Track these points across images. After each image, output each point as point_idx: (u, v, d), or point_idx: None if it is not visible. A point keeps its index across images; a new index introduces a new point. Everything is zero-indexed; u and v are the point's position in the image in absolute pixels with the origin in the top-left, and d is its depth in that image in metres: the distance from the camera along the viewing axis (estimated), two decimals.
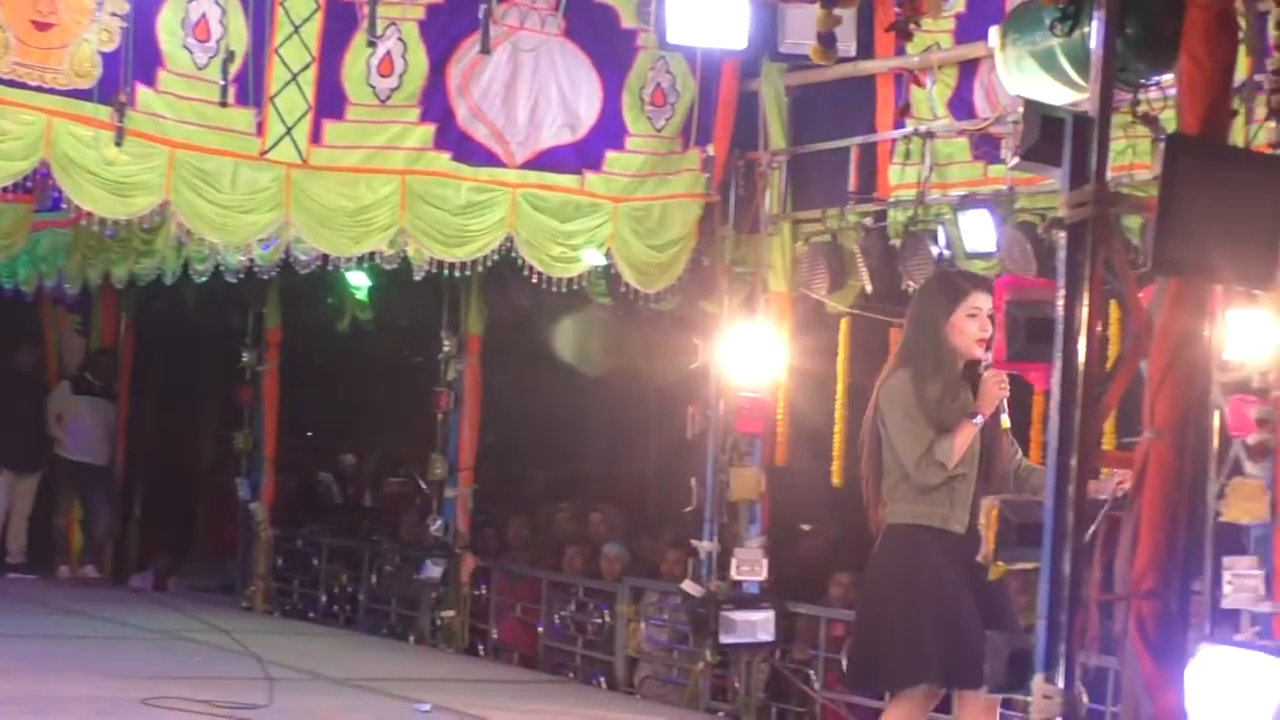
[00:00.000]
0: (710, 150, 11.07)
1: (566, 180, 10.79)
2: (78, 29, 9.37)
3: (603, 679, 11.88)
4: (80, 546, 16.02)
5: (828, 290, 10.54)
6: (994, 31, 6.09)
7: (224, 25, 9.77)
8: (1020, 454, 7.34)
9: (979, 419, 7.11)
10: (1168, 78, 5.58)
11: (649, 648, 11.78)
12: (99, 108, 9.45)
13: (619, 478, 15.22)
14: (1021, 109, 5.46)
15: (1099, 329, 5.29)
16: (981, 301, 7.06)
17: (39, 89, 9.32)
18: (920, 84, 10.05)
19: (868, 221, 10.39)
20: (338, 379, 16.82)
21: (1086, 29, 5.44)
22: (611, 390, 14.35)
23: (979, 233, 9.53)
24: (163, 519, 16.86)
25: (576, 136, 10.77)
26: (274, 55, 9.95)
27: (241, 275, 12.06)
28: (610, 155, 10.86)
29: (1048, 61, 5.73)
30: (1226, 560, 8.01)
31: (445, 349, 13.20)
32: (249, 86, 9.87)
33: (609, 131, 10.83)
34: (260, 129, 9.97)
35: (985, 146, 9.71)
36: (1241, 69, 5.58)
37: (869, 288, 10.28)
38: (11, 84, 9.24)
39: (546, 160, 10.71)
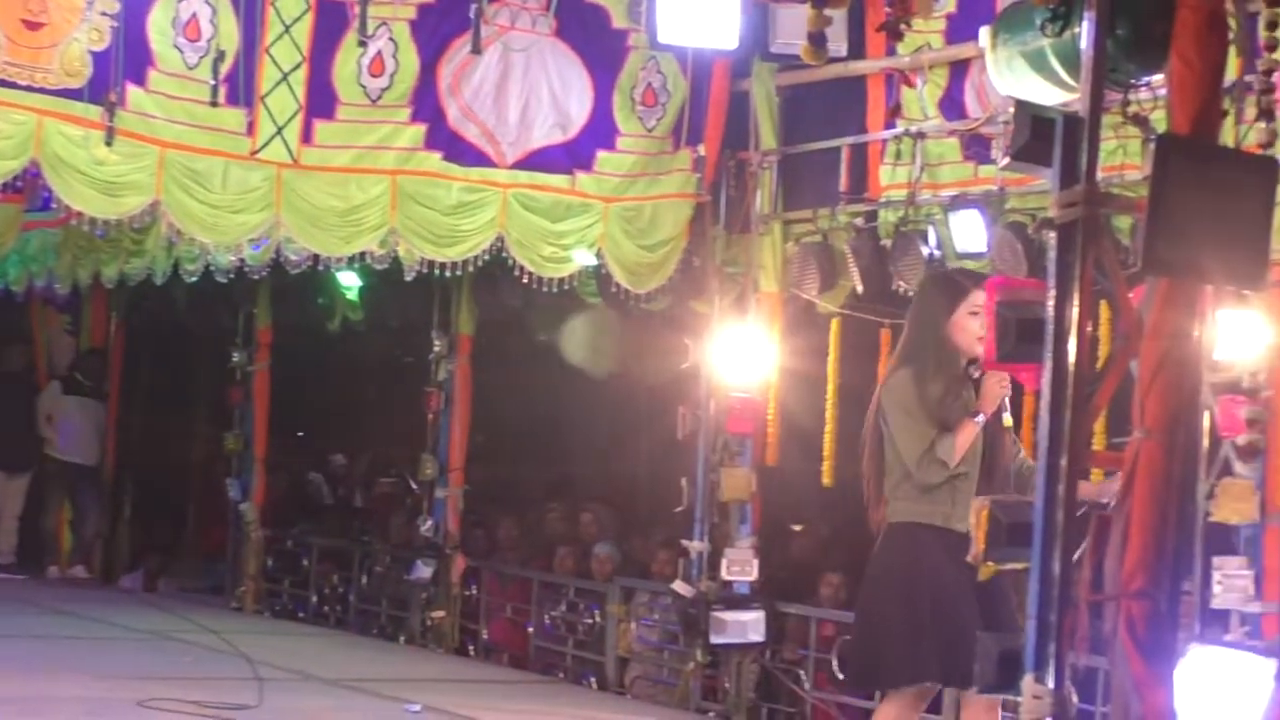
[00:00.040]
0: (701, 150, 11.07)
1: (557, 180, 10.79)
2: (68, 28, 9.35)
3: (593, 679, 11.89)
4: (70, 547, 16.00)
5: (818, 290, 10.55)
6: (985, 32, 6.10)
7: (214, 25, 9.76)
8: (1022, 453, 7.34)
9: (981, 417, 7.11)
10: (1158, 78, 5.58)
11: (639, 648, 11.78)
12: (89, 107, 9.44)
13: (610, 478, 15.23)
14: (1012, 109, 5.46)
15: (1089, 329, 5.29)
16: (983, 299, 7.06)
17: (29, 88, 9.30)
18: (911, 84, 10.05)
19: (858, 222, 10.40)
20: (328, 379, 16.81)
21: (1077, 29, 5.45)
22: (602, 391, 14.35)
23: (969, 233, 9.54)
24: (153, 519, 16.85)
25: (567, 136, 10.77)
26: (265, 55, 9.94)
27: (232, 275, 12.05)
28: (601, 155, 10.86)
29: (1038, 62, 5.74)
30: (1216, 560, 8.03)
31: (436, 349, 13.20)
32: (240, 86, 9.86)
33: (600, 131, 10.83)
34: (251, 129, 9.96)
35: (976, 147, 9.72)
36: (1232, 69, 5.59)
37: (860, 288, 10.28)
38: (1, 83, 9.23)
39: (537, 160, 10.71)
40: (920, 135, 10.00)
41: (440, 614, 12.94)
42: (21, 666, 10.14)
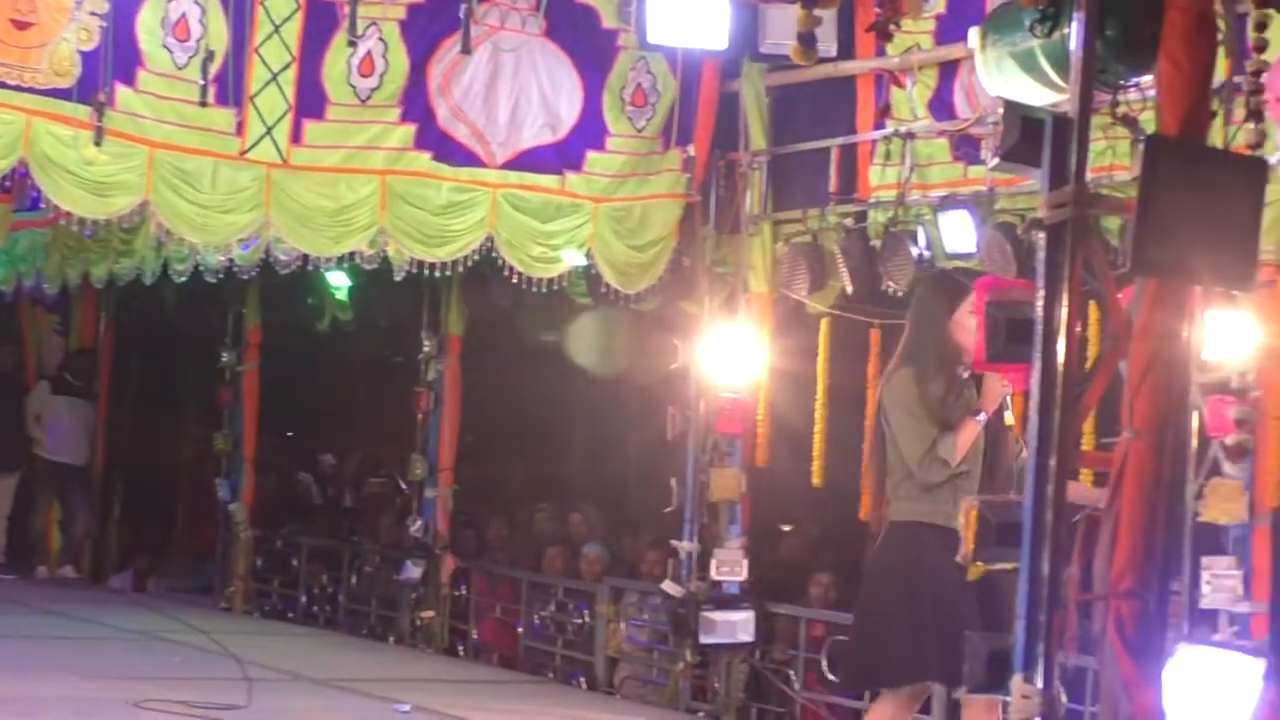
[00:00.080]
0: (691, 150, 11.08)
1: (547, 180, 10.79)
2: (57, 28, 9.34)
3: (583, 679, 11.88)
4: (59, 547, 15.97)
5: (808, 291, 10.55)
6: (974, 32, 6.10)
7: (204, 25, 9.76)
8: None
9: (982, 416, 7.12)
10: (1147, 79, 5.58)
11: (629, 648, 11.78)
12: (78, 107, 9.43)
13: (599, 478, 15.23)
14: (1001, 110, 5.47)
15: (1078, 330, 5.30)
16: None
17: (17, 88, 9.29)
18: (900, 85, 10.06)
19: (848, 222, 10.41)
20: (318, 379, 16.80)
21: (1066, 30, 5.45)
22: (592, 391, 14.35)
23: (959, 233, 9.55)
24: (142, 519, 16.83)
25: (557, 137, 10.77)
26: (254, 55, 9.94)
27: (221, 275, 12.03)
28: (591, 155, 10.86)
29: (1028, 63, 5.74)
30: (1205, 560, 8.04)
31: (425, 349, 13.19)
32: (229, 86, 9.85)
33: (590, 132, 10.83)
34: (240, 129, 9.95)
35: (965, 147, 9.73)
36: (1220, 70, 5.59)
37: (849, 288, 10.29)
38: None
39: (527, 160, 10.71)
40: (910, 136, 10.01)
41: (430, 614, 12.94)
42: (10, 667, 10.11)
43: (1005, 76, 5.89)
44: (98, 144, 9.48)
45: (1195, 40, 5.29)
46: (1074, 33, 5.37)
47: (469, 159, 10.57)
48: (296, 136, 10.13)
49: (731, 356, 10.86)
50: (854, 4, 9.92)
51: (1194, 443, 7.78)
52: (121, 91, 9.55)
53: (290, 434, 17.35)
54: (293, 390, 16.05)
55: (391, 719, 9.55)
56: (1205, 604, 8.03)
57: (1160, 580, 5.23)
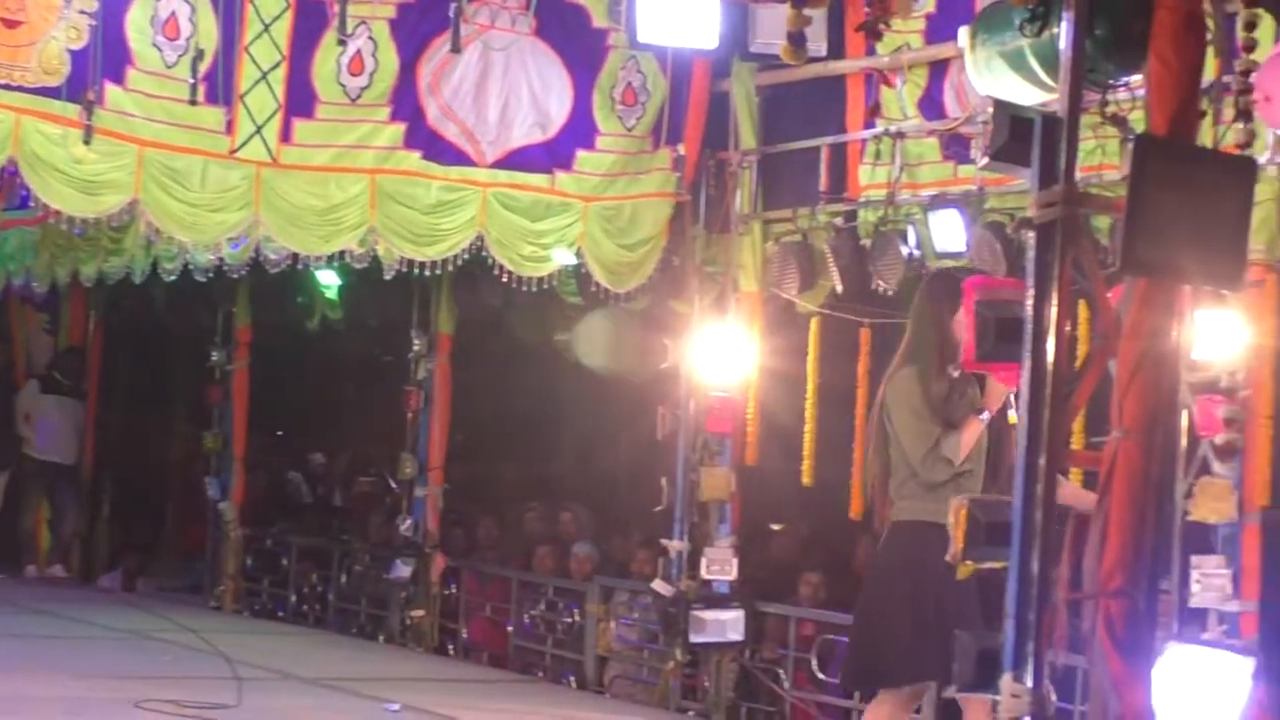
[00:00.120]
0: (681, 150, 11.08)
1: (537, 179, 10.79)
2: (46, 26, 9.33)
3: (572, 678, 11.88)
4: (48, 546, 15.94)
5: (798, 290, 10.56)
6: (964, 32, 6.10)
7: (193, 23, 9.75)
8: None
9: (986, 415, 7.11)
10: (1136, 78, 5.59)
11: (619, 647, 11.78)
12: (67, 105, 9.42)
13: (589, 477, 15.22)
14: (991, 109, 5.47)
15: (1067, 329, 5.30)
16: None
17: (6, 87, 9.28)
18: (890, 84, 10.07)
19: (838, 221, 10.42)
20: (308, 378, 16.78)
21: (1055, 30, 5.45)
22: (582, 390, 14.34)
23: (949, 233, 9.55)
24: (131, 518, 16.81)
25: (547, 136, 10.77)
26: (244, 53, 9.94)
27: (211, 274, 12.03)
28: (581, 154, 10.86)
29: (1017, 62, 5.75)
30: (1194, 559, 8.05)
31: (415, 348, 13.19)
32: (219, 85, 9.85)
33: (580, 131, 10.83)
34: (230, 127, 9.95)
35: (955, 146, 9.74)
36: (1210, 70, 5.60)
37: (839, 288, 10.30)
38: None
39: (517, 159, 10.71)
40: (900, 135, 10.01)
41: (419, 613, 12.93)
42: None
43: (995, 76, 5.89)
44: (87, 142, 9.48)
45: (1184, 39, 5.30)
46: (1063, 32, 5.37)
47: (459, 158, 10.57)
48: (286, 135, 10.12)
49: (721, 356, 10.86)
50: (844, 3, 9.93)
51: (1183, 442, 7.79)
52: (111, 90, 9.54)
53: (280, 433, 17.34)
54: (282, 389, 16.03)
55: (381, 718, 9.54)
56: (1194, 603, 8.04)
57: (1150, 579, 5.24)
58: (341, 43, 10.08)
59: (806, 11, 7.46)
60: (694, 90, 11.08)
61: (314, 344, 15.43)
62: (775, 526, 12.60)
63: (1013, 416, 7.14)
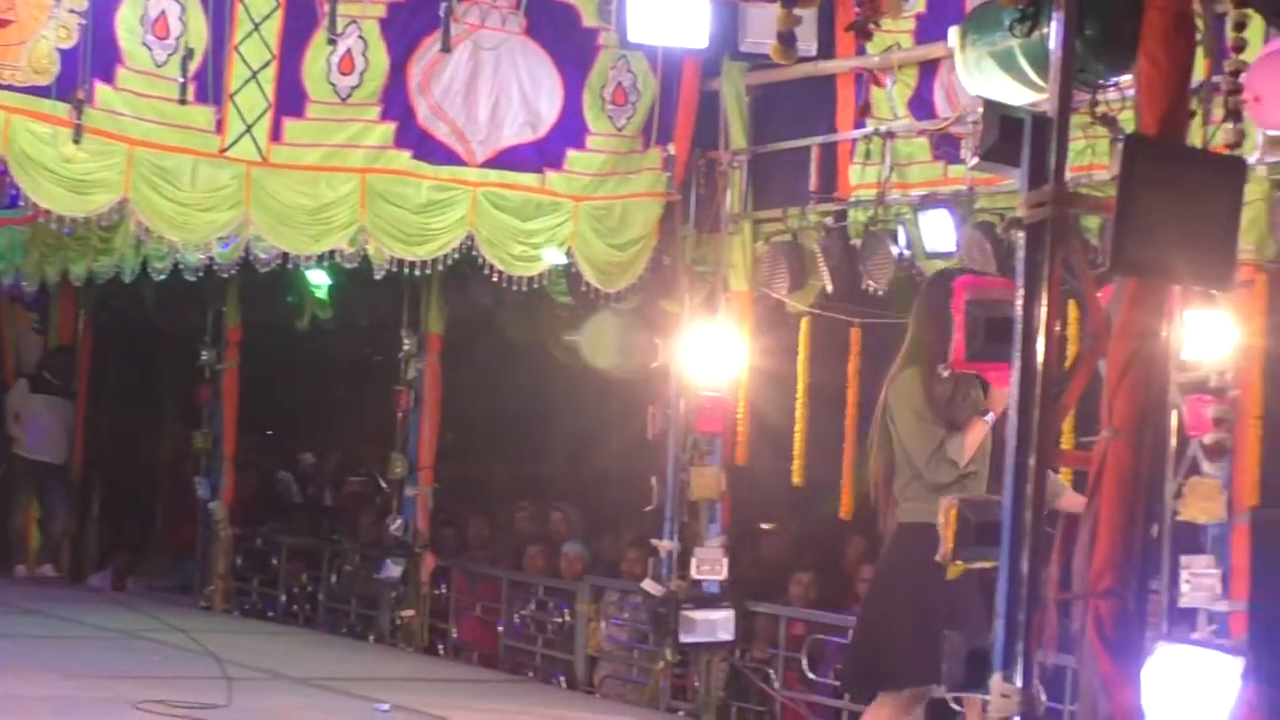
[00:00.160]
0: (671, 149, 11.08)
1: (527, 179, 10.79)
2: (36, 25, 9.32)
3: (562, 678, 11.88)
4: (38, 545, 15.92)
5: (788, 290, 10.56)
6: (954, 32, 6.11)
7: (183, 22, 9.74)
8: None
9: (990, 417, 7.10)
10: (1126, 79, 5.59)
11: (609, 647, 11.78)
12: (57, 104, 9.41)
13: (579, 477, 15.22)
14: (981, 109, 5.47)
15: (1057, 329, 5.31)
16: None
17: None
18: (880, 84, 10.07)
19: (828, 221, 10.42)
20: (297, 378, 16.77)
21: (1045, 30, 5.46)
22: (572, 389, 14.34)
23: (939, 232, 9.56)
24: (121, 518, 16.80)
25: (537, 135, 10.76)
26: (234, 53, 9.92)
27: (201, 273, 12.01)
28: (571, 154, 10.86)
29: (1007, 62, 5.75)
30: (1184, 559, 8.06)
31: (405, 348, 13.19)
32: (209, 84, 9.84)
33: (570, 130, 10.83)
34: (220, 127, 9.94)
35: (945, 146, 9.74)
36: (1199, 70, 5.61)
37: (829, 287, 10.30)
38: None
39: (507, 159, 10.71)
40: (890, 135, 10.02)
41: (409, 613, 12.93)
42: None
43: (985, 76, 5.90)
44: (77, 141, 9.46)
45: (1174, 39, 5.30)
46: (1053, 32, 5.37)
47: (449, 157, 10.56)
48: (276, 134, 10.11)
49: (712, 355, 10.86)
50: (834, 3, 9.93)
51: (1173, 442, 7.80)
52: (101, 89, 9.53)
53: (270, 432, 17.32)
54: (272, 388, 16.01)
55: (371, 718, 9.54)
56: (1184, 603, 8.05)
57: (1139, 579, 5.24)
58: (332, 42, 10.07)
59: (796, 11, 7.46)
60: (684, 90, 11.08)
61: (304, 343, 15.42)
62: (765, 526, 12.60)
63: None
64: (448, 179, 10.59)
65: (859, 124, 10.26)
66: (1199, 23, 5.43)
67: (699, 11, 9.87)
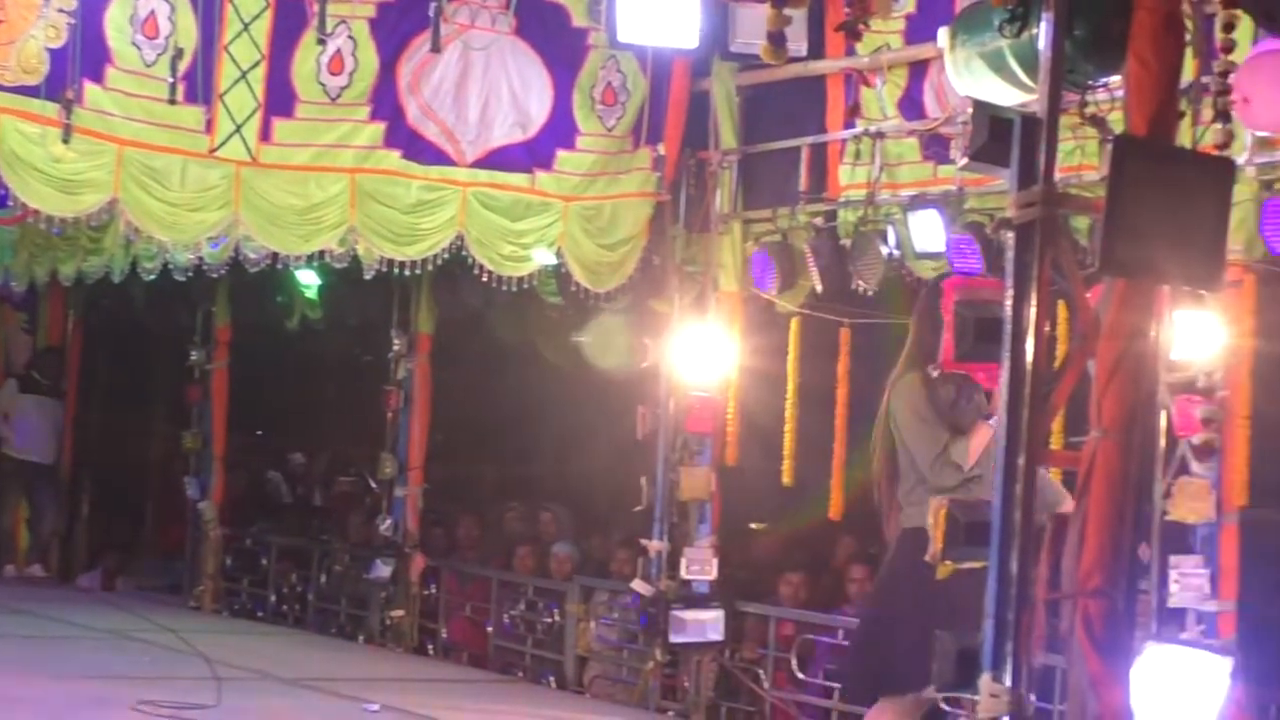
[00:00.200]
0: (661, 149, 11.08)
1: (517, 179, 10.78)
2: (25, 25, 9.30)
3: (552, 678, 11.88)
4: (27, 545, 15.91)
5: (778, 290, 10.56)
6: (943, 32, 6.11)
7: (173, 22, 9.73)
8: None
9: (995, 420, 7.10)
10: (1115, 79, 5.60)
11: (599, 647, 11.78)
12: (46, 104, 9.39)
13: (569, 477, 15.22)
14: (970, 110, 5.48)
15: (1047, 329, 5.31)
16: None
17: None
18: (870, 84, 10.08)
19: (818, 221, 10.42)
20: (287, 378, 16.76)
21: (1035, 30, 5.46)
22: (562, 390, 14.34)
23: (928, 233, 9.56)
24: (111, 518, 16.78)
25: (527, 135, 10.76)
26: (223, 53, 9.91)
27: (190, 273, 11.99)
28: (561, 154, 10.86)
29: (996, 62, 5.75)
30: (1173, 559, 8.07)
31: (395, 348, 13.18)
32: (198, 84, 9.82)
33: (560, 130, 10.82)
34: (209, 126, 9.92)
35: (935, 147, 9.74)
36: (1188, 71, 5.61)
37: (819, 287, 10.30)
38: None
39: (497, 159, 10.70)
40: (879, 135, 10.02)
41: (399, 613, 12.92)
42: None
43: (974, 76, 5.90)
44: (66, 141, 9.44)
45: (1163, 40, 5.31)
46: (1043, 33, 5.38)
47: (439, 157, 10.56)
48: (266, 134, 10.11)
49: (701, 355, 10.86)
50: (824, 3, 9.93)
51: (1161, 442, 7.80)
52: (90, 89, 9.52)
53: (259, 432, 17.32)
54: (262, 388, 16.01)
55: (361, 718, 9.53)
56: (1173, 603, 8.06)
57: (1128, 579, 5.25)
58: (321, 42, 10.06)
59: (786, 11, 7.45)
60: (674, 90, 11.08)
61: (294, 343, 15.41)
62: (755, 525, 12.60)
63: None
64: (437, 179, 10.58)
65: (849, 124, 10.26)
66: (1188, 23, 5.44)
67: (689, 11, 9.87)
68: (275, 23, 10.02)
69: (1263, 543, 8.39)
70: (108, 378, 17.00)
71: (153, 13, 9.67)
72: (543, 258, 10.98)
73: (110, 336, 16.48)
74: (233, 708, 9.18)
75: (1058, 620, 5.35)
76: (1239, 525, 8.13)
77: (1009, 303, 5.24)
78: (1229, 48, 5.74)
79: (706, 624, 10.73)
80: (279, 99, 10.10)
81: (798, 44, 9.42)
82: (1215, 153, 5.60)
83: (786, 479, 10.61)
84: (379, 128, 10.39)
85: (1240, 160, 7.55)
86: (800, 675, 10.36)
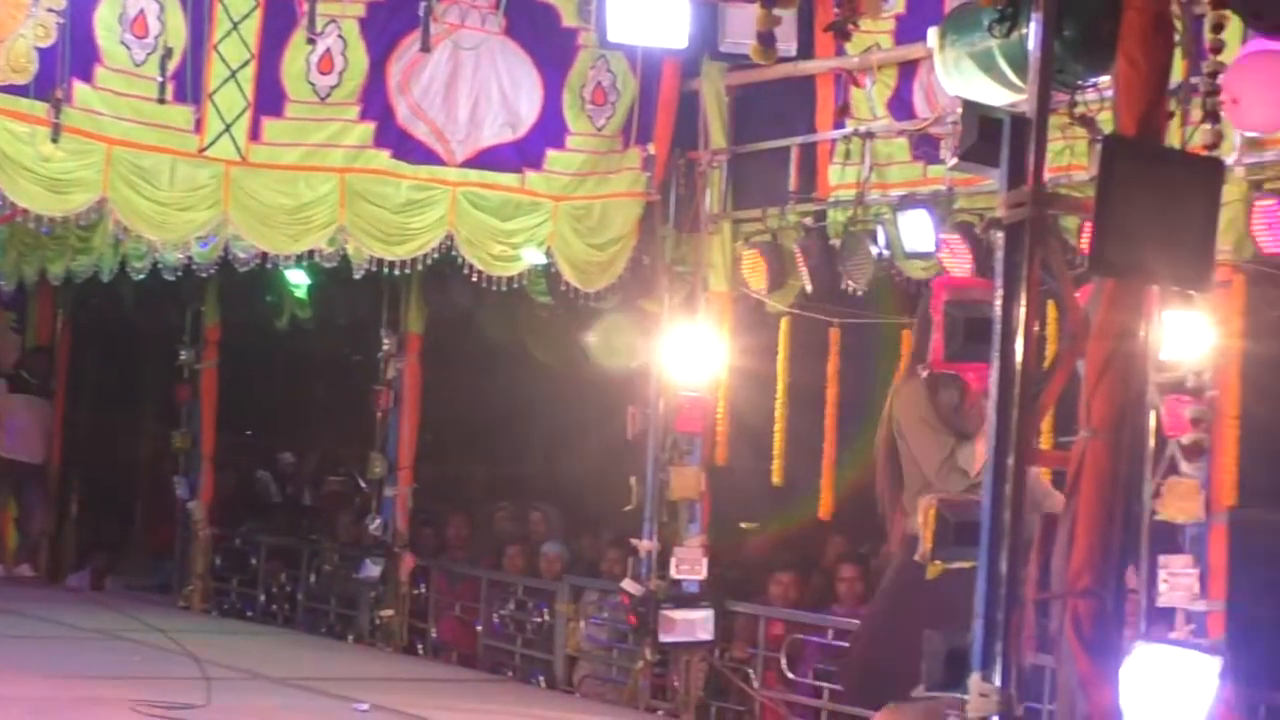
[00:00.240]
0: (651, 149, 11.08)
1: (507, 179, 10.78)
2: (14, 24, 9.29)
3: (542, 678, 11.88)
4: (15, 545, 15.88)
5: (768, 290, 10.56)
6: (933, 32, 6.11)
7: (162, 21, 9.71)
8: None
9: None
10: (1105, 79, 5.61)
11: (588, 646, 11.78)
12: (35, 103, 9.38)
13: (559, 477, 15.21)
14: (960, 110, 5.48)
15: (1036, 329, 5.32)
16: None
17: None
18: (860, 84, 10.08)
19: (808, 221, 10.43)
20: (277, 377, 16.74)
21: (1024, 30, 5.47)
22: (552, 389, 14.34)
23: (918, 233, 9.56)
24: (100, 517, 16.75)
25: (517, 135, 10.76)
26: (213, 52, 9.90)
27: (180, 273, 12.00)
28: (551, 154, 10.86)
29: (986, 62, 5.76)
30: (1162, 559, 8.07)
31: (385, 347, 13.17)
32: (187, 83, 9.81)
33: (549, 130, 10.82)
34: (199, 126, 9.92)
35: (924, 147, 9.75)
36: (1177, 71, 5.62)
37: (809, 287, 10.31)
38: None
39: (487, 159, 10.70)
40: (869, 135, 10.03)
41: (389, 613, 12.91)
42: None
43: (964, 76, 5.90)
44: (55, 141, 9.43)
45: (1152, 40, 5.32)
46: (1032, 33, 5.39)
47: (428, 157, 10.55)
48: (255, 134, 10.10)
49: (691, 355, 10.86)
50: (813, 3, 9.94)
51: (1151, 442, 7.81)
52: (79, 88, 9.51)
53: (249, 432, 17.30)
54: (251, 388, 15.99)
55: (350, 718, 9.53)
56: (1162, 602, 8.06)
57: (1117, 578, 5.25)
58: (311, 41, 10.06)
59: (776, 11, 7.47)
60: (664, 90, 11.08)
61: (283, 343, 15.39)
62: (745, 525, 12.60)
63: None
64: (427, 179, 10.58)
65: (838, 124, 10.27)
66: (1177, 24, 5.45)
67: (678, 12, 9.87)
68: (265, 22, 10.02)
69: (1252, 542, 8.40)
70: (97, 377, 16.97)
71: (142, 12, 9.66)
72: (532, 257, 10.98)
73: (99, 336, 16.45)
74: (222, 707, 9.17)
75: (1047, 620, 5.36)
76: (1228, 525, 8.14)
77: (998, 303, 5.25)
78: (1218, 48, 5.75)
79: (696, 623, 10.74)
80: (268, 98, 10.09)
81: (787, 44, 9.43)
82: (1204, 153, 5.61)
83: (776, 479, 10.62)
84: (369, 127, 10.38)
85: (1229, 160, 7.56)
86: (790, 675, 10.37)
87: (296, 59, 10.13)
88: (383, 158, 10.44)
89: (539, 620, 12.10)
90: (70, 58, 9.45)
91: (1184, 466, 8.06)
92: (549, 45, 10.80)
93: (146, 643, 11.57)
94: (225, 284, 13.68)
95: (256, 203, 10.17)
